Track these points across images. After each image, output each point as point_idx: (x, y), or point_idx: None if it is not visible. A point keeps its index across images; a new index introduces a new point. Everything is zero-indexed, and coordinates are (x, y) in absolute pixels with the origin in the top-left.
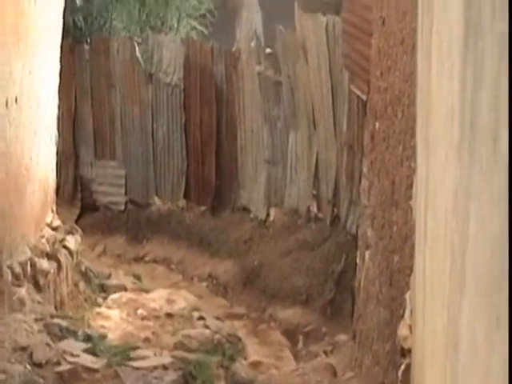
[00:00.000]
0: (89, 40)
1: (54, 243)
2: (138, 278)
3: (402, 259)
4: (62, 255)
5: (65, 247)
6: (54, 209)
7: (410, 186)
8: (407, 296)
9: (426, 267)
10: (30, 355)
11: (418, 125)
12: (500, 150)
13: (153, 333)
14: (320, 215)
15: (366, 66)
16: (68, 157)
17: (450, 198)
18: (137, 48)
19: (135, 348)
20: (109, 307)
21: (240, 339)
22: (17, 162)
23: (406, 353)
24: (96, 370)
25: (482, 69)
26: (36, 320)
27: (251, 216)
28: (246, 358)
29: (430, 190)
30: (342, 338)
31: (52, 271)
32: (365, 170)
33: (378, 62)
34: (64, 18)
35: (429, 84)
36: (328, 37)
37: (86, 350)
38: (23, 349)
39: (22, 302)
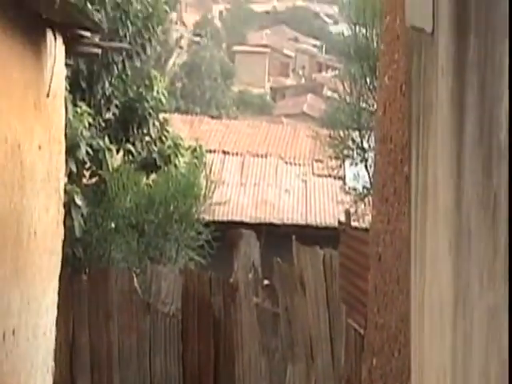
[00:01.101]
0: (87, 270)
1: None
2: None
3: None
4: None
5: None
6: None
7: None
8: None
9: None
10: None
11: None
12: None
13: None
14: None
15: (363, 299)
16: None
17: None
18: (135, 278)
19: None
20: None
21: None
22: None
23: None
24: None
25: (471, 345)
26: None
27: None
28: None
29: None
30: None
31: None
32: None
33: (374, 297)
34: (63, 248)
35: (422, 340)
36: (325, 270)
37: None
38: None
39: None
